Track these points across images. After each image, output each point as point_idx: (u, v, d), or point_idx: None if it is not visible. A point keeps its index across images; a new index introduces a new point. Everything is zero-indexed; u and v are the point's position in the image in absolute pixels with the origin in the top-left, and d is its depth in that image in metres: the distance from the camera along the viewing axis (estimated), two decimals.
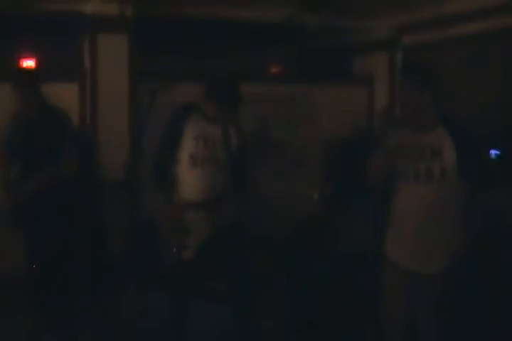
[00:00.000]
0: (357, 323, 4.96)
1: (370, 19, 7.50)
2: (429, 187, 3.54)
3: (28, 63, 6.18)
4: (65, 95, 6.07)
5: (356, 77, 7.95)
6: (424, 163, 3.55)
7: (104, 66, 6.39)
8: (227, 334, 4.82)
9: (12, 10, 6.17)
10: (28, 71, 5.31)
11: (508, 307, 4.64)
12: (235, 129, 4.49)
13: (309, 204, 6.52)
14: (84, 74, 6.40)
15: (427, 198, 3.55)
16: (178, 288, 4.50)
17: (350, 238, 5.79)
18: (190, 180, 4.44)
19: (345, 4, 6.82)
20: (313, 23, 7.21)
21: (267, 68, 8.03)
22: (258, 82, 7.19)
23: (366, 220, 5.68)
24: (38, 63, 6.26)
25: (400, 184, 3.67)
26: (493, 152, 5.71)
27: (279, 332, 5.16)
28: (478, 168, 3.54)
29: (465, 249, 3.54)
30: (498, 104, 6.37)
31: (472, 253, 3.60)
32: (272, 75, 8.05)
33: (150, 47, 6.58)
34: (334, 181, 6.61)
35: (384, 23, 7.56)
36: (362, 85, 7.73)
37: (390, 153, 3.66)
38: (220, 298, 4.98)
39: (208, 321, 4.74)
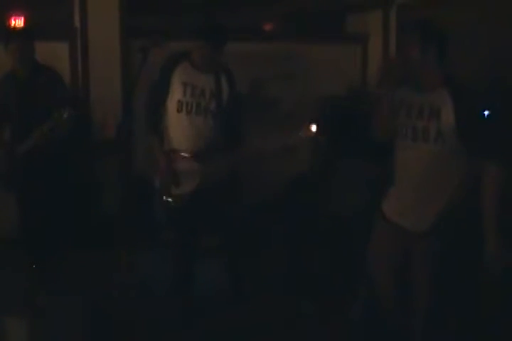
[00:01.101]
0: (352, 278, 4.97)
1: None
2: (426, 146, 3.53)
3: (18, 22, 6.13)
4: (55, 54, 6.06)
5: (350, 35, 7.88)
6: (421, 122, 3.54)
7: (94, 24, 6.32)
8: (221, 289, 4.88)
9: None
10: (23, 28, 5.27)
11: None
12: (227, 79, 4.52)
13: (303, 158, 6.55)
14: (74, 33, 6.34)
15: (424, 157, 3.55)
16: (172, 241, 4.56)
17: (341, 196, 5.81)
18: (178, 128, 4.48)
19: None
20: None
21: (260, 26, 7.97)
22: (251, 40, 7.15)
23: (356, 178, 5.71)
24: (27, 22, 6.21)
25: (399, 143, 3.67)
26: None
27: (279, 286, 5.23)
28: (478, 134, 3.46)
29: (453, 208, 3.55)
30: (493, 65, 6.33)
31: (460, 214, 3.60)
32: (266, 33, 8.00)
33: (140, 5, 6.53)
34: (327, 137, 6.63)
35: None
36: (356, 42, 7.67)
37: (392, 109, 3.63)
38: (213, 251, 5.02)
39: (201, 275, 4.78)
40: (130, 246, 4.49)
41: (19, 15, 6.17)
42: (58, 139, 4.88)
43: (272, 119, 6.77)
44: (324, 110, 7.02)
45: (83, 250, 5.57)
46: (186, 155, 4.48)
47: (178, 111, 4.47)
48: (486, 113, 5.66)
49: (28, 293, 4.68)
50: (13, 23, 6.13)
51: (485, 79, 6.07)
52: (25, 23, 6.14)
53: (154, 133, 4.57)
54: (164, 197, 4.47)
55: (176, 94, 4.47)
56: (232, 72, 4.61)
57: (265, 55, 7.07)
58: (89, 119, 6.22)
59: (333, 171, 6.06)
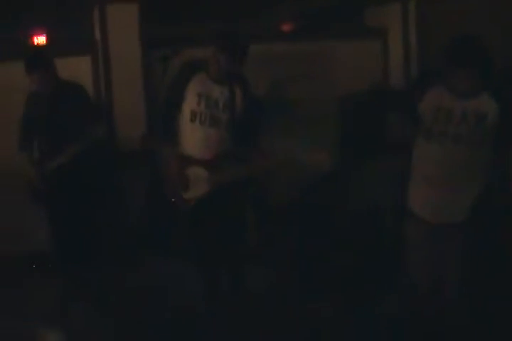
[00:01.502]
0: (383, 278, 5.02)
1: None
2: (456, 148, 3.68)
3: (40, 39, 6.23)
4: (78, 69, 6.16)
5: (370, 30, 7.85)
6: (460, 127, 3.65)
7: (115, 37, 6.40)
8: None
9: None
10: (38, 54, 5.38)
11: None
12: (241, 90, 4.55)
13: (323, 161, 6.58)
14: (96, 46, 6.44)
15: (453, 158, 3.70)
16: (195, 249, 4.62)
17: (364, 194, 5.84)
18: (190, 136, 4.55)
19: None
20: None
21: (278, 26, 7.98)
22: (270, 41, 7.17)
23: (382, 176, 5.72)
24: (49, 39, 6.31)
25: (430, 143, 3.77)
26: None
27: (294, 290, 5.26)
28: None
29: (485, 201, 3.71)
30: None
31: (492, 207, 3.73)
32: (285, 33, 8.00)
33: (160, 14, 6.60)
34: (350, 136, 6.65)
35: None
36: (376, 38, 7.65)
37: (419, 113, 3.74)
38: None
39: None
40: (153, 255, 4.57)
41: (40, 33, 6.26)
42: (87, 155, 5.01)
43: (293, 120, 6.79)
44: (345, 108, 7.04)
45: (109, 260, 5.66)
46: (197, 162, 4.53)
47: (192, 120, 4.51)
48: None
49: (62, 305, 4.82)
50: (35, 41, 6.22)
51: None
52: (47, 40, 6.23)
53: (167, 139, 4.62)
54: (172, 200, 4.53)
55: (190, 103, 4.51)
56: (248, 82, 4.63)
57: (284, 55, 7.09)
58: (114, 132, 6.31)
59: (356, 169, 6.09)
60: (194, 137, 4.54)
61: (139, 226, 4.94)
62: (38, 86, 5.12)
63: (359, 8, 7.96)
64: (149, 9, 6.52)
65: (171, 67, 4.81)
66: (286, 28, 7.75)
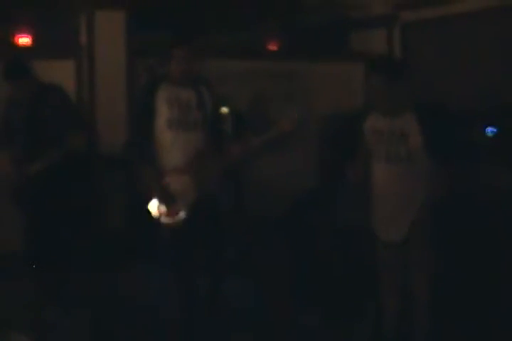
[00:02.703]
0: (357, 296, 5.04)
1: None
2: (398, 166, 3.91)
3: (24, 40, 6.15)
4: (61, 72, 6.08)
5: (354, 54, 7.90)
6: (392, 145, 3.91)
7: (101, 42, 6.36)
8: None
9: None
10: (17, 61, 5.25)
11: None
12: (207, 90, 4.53)
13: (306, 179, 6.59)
14: (81, 51, 6.38)
15: (396, 176, 3.92)
16: (174, 258, 4.52)
17: (345, 213, 5.85)
18: (170, 144, 4.48)
19: None
20: None
21: (264, 44, 7.99)
22: (255, 58, 7.19)
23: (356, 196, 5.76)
24: (34, 40, 6.23)
25: (375, 164, 4.04)
26: (489, 129, 5.78)
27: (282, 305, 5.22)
28: (445, 151, 3.86)
29: (426, 214, 3.89)
30: (496, 82, 6.38)
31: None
32: (270, 51, 8.02)
33: (146, 23, 6.56)
34: (331, 157, 6.65)
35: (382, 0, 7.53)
36: (360, 62, 7.69)
37: (365, 137, 4.03)
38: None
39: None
40: (132, 261, 4.49)
41: (25, 34, 6.18)
42: (68, 160, 4.93)
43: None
44: (326, 129, 7.07)
45: (87, 265, 5.56)
46: (179, 170, 4.44)
47: (168, 128, 4.44)
48: (490, 129, 5.80)
49: (34, 307, 4.71)
50: (19, 41, 6.13)
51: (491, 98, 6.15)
52: (31, 41, 6.15)
53: (143, 157, 4.53)
54: (162, 219, 4.44)
55: (163, 113, 4.45)
56: (211, 82, 4.62)
57: (266, 73, 7.10)
58: (96, 137, 6.22)
59: (340, 188, 6.09)
60: (175, 144, 4.47)
61: (119, 231, 4.85)
62: (17, 92, 5.02)
63: (346, 32, 8.03)
64: (136, 17, 6.48)
65: (156, 76, 4.74)
66: (272, 46, 7.76)
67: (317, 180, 6.98)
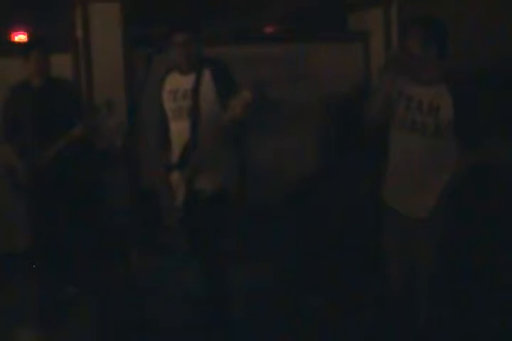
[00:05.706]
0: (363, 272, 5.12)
1: None
2: (423, 138, 3.65)
3: (20, 37, 6.18)
4: (59, 66, 6.09)
5: (351, 33, 7.88)
6: (420, 116, 3.65)
7: (97, 34, 6.39)
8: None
9: None
10: (39, 38, 5.36)
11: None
12: (212, 75, 4.27)
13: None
14: (77, 44, 6.40)
15: (420, 149, 3.67)
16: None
17: (351, 190, 5.90)
18: (171, 137, 4.43)
19: None
20: None
21: (262, 28, 7.99)
22: (254, 42, 7.18)
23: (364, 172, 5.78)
24: (30, 35, 6.26)
25: (396, 134, 3.77)
26: None
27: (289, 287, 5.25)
28: (473, 130, 3.61)
29: (445, 196, 3.67)
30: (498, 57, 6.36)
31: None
32: (268, 35, 8.02)
33: (142, 13, 6.57)
34: (334, 136, 6.69)
35: None
36: (358, 41, 7.67)
37: (388, 98, 3.72)
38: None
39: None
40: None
41: (21, 29, 6.21)
42: (71, 151, 4.98)
43: (273, 122, 6.79)
44: (328, 109, 7.08)
45: (93, 258, 5.62)
46: (178, 163, 4.33)
47: (172, 119, 4.40)
48: None
49: (41, 304, 4.77)
50: (16, 37, 6.17)
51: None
52: (28, 37, 6.18)
53: (157, 150, 4.53)
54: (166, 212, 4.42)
55: (165, 103, 4.43)
56: (222, 66, 4.34)
57: (265, 57, 7.09)
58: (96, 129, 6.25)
59: (341, 166, 6.14)
60: (173, 136, 4.42)
61: (125, 223, 4.89)
62: (34, 70, 5.06)
63: (342, 12, 8.00)
64: (132, 8, 6.49)
65: (155, 65, 4.76)
66: (270, 29, 7.77)
67: (323, 158, 6.97)
